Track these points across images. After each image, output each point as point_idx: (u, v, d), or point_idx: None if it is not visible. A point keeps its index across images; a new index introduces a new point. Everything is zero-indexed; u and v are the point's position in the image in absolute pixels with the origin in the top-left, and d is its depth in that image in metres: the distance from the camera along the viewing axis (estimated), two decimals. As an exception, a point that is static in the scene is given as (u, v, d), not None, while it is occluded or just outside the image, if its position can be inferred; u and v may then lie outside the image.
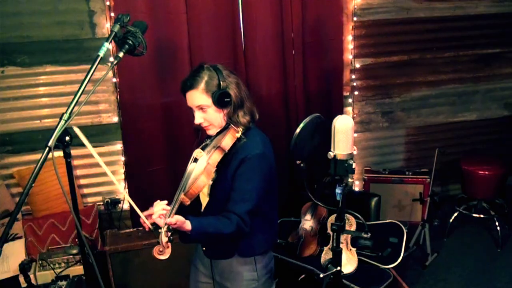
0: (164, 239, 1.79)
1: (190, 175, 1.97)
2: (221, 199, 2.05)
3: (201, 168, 1.94)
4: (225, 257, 2.17)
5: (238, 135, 2.04)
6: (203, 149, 2.06)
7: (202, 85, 1.99)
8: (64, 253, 3.18)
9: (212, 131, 2.09)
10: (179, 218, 1.82)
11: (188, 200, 1.92)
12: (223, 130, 2.08)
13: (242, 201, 1.99)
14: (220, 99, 1.98)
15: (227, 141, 2.01)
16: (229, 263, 2.18)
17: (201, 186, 1.93)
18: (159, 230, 1.82)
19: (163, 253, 1.81)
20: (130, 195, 3.73)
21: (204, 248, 2.21)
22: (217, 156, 1.99)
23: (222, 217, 1.98)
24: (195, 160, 2.02)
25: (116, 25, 1.86)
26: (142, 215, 1.91)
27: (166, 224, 1.80)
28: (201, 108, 2.02)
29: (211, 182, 2.09)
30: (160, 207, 1.88)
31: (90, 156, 3.68)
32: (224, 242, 2.14)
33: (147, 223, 1.90)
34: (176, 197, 1.91)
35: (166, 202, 1.92)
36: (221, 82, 2.00)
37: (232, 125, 2.06)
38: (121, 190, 1.95)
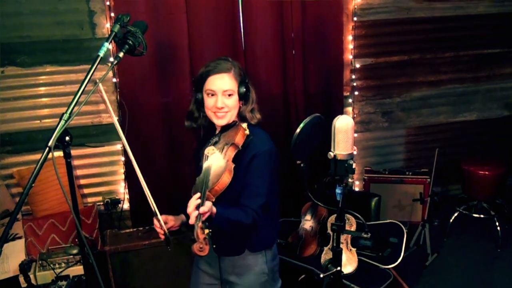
0: (201, 236, 1.76)
1: (209, 172, 1.96)
2: (229, 195, 2.03)
3: (222, 166, 1.96)
4: (236, 253, 2.19)
5: (247, 132, 2.07)
6: (213, 145, 2.07)
7: (232, 71, 2.08)
8: (64, 253, 3.17)
9: (224, 120, 2.11)
10: (208, 204, 1.80)
11: (213, 197, 1.92)
12: (230, 127, 2.11)
13: (256, 196, 2.03)
14: (246, 91, 2.10)
15: (240, 138, 2.05)
16: (240, 258, 2.20)
17: (226, 183, 1.94)
18: (196, 225, 1.77)
19: (203, 250, 1.77)
20: (130, 195, 3.74)
21: (214, 246, 2.18)
22: (232, 153, 2.01)
23: (239, 209, 2.01)
24: (207, 157, 2.03)
25: (116, 25, 1.86)
26: (161, 219, 1.93)
27: (199, 218, 1.76)
28: (227, 93, 2.06)
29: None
30: (195, 202, 1.81)
31: (90, 156, 3.72)
32: (237, 236, 2.16)
33: (164, 228, 1.92)
34: (203, 192, 1.86)
35: (198, 195, 1.85)
36: (245, 76, 2.13)
37: (240, 123, 2.10)
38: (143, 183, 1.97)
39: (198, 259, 2.37)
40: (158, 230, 1.97)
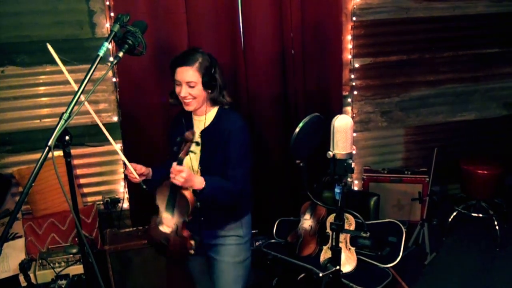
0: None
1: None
2: (212, 170, 2.30)
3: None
4: (221, 227, 2.44)
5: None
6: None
7: (196, 64, 2.25)
8: (64, 252, 3.18)
9: (191, 107, 2.31)
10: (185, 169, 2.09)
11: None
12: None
13: (239, 166, 2.29)
14: (209, 81, 2.26)
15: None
16: (220, 227, 2.44)
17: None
18: None
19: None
20: (130, 194, 3.75)
21: (202, 218, 2.36)
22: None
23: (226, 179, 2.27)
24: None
25: (116, 25, 1.87)
26: (131, 166, 2.22)
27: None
28: (189, 84, 2.25)
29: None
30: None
31: (89, 155, 3.72)
32: (225, 207, 2.37)
33: (135, 174, 2.23)
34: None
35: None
36: (211, 67, 2.28)
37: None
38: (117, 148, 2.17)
39: None
40: (131, 176, 2.24)
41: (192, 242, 2.24)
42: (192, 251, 2.25)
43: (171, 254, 2.32)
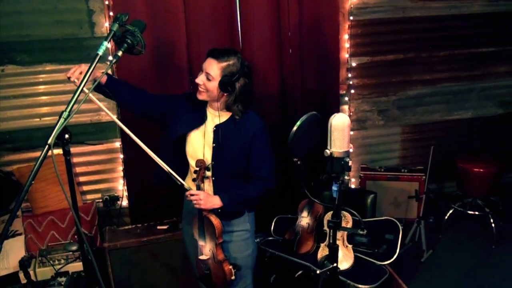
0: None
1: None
2: (224, 163, 2.41)
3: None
4: (238, 216, 2.53)
5: None
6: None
7: (224, 63, 2.29)
8: (63, 250, 3.19)
9: (201, 96, 2.38)
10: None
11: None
12: None
13: (265, 165, 2.44)
14: (225, 84, 2.28)
15: None
16: (234, 217, 2.53)
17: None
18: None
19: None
20: (130, 192, 3.75)
21: (219, 210, 2.42)
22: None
23: (247, 184, 2.43)
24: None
25: (115, 24, 1.88)
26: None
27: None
28: (208, 75, 2.30)
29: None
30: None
31: (89, 153, 3.73)
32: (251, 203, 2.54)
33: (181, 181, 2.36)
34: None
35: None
36: (236, 74, 2.29)
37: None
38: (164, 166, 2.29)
39: (188, 217, 2.62)
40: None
41: (230, 267, 2.38)
42: (233, 277, 2.38)
43: (216, 284, 2.44)
